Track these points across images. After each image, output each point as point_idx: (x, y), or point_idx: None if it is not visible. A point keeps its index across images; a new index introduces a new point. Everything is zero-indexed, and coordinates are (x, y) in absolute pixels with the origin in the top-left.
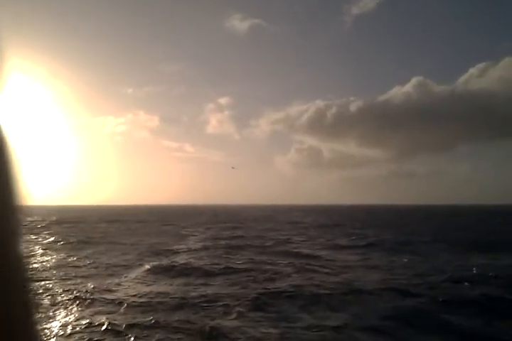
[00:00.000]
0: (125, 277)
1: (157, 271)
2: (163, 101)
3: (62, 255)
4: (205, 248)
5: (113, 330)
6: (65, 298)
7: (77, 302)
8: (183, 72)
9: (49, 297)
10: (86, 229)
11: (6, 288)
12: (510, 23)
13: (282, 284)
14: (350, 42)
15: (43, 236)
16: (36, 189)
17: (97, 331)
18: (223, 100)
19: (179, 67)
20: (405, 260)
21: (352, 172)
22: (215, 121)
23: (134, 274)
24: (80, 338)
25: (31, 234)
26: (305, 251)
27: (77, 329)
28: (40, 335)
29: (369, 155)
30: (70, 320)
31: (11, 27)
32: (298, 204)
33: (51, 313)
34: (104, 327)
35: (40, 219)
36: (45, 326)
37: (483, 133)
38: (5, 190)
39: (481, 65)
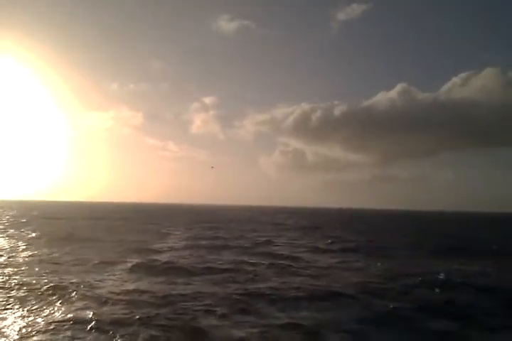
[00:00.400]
0: (107, 274)
1: (139, 269)
2: (148, 99)
3: (45, 250)
4: (187, 247)
5: (98, 327)
6: (48, 293)
7: (61, 297)
8: (168, 69)
9: (31, 292)
10: (69, 226)
11: None
12: (493, 35)
13: (261, 285)
14: (336, 47)
15: (25, 231)
16: (17, 183)
17: (82, 328)
18: (208, 99)
19: (165, 64)
20: (379, 264)
21: (336, 176)
22: (200, 120)
23: (116, 271)
24: (64, 333)
25: (12, 229)
26: (285, 252)
27: (63, 324)
28: None
29: (353, 159)
30: (55, 315)
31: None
32: (282, 206)
33: (33, 308)
34: (89, 325)
35: (20, 214)
36: (26, 321)
37: (465, 141)
38: None
39: (464, 74)
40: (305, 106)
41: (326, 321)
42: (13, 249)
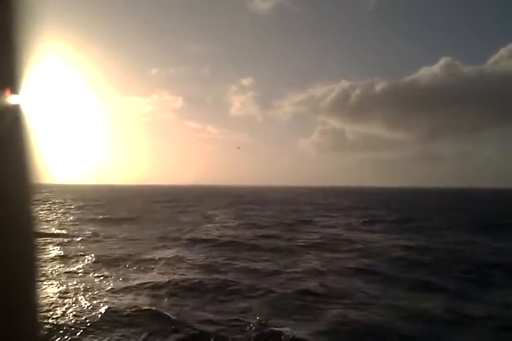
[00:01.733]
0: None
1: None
2: (187, 82)
3: (109, 229)
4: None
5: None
6: (124, 262)
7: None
8: (205, 52)
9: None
10: (130, 208)
11: (16, 269)
12: None
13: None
14: (374, 23)
15: (93, 211)
16: (61, 168)
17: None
18: (246, 81)
19: (202, 47)
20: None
21: (377, 155)
22: (238, 102)
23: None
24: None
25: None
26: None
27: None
28: (40, 319)
29: (394, 137)
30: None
31: (42, 8)
32: (322, 186)
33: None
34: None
35: (81, 197)
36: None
37: (509, 116)
38: (21, 167)
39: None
40: (344, 83)
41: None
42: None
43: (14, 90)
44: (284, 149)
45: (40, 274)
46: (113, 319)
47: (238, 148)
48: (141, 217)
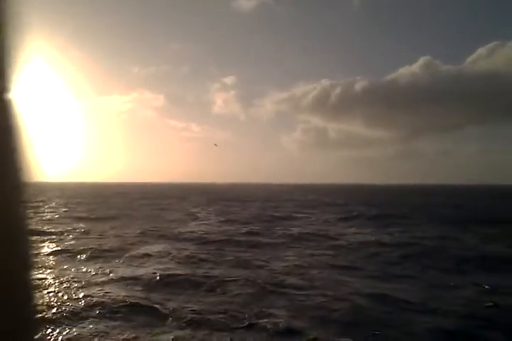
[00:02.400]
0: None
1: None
2: (169, 81)
3: (92, 226)
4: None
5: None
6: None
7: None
8: (187, 51)
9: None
10: (108, 205)
11: (6, 268)
12: None
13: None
14: (357, 22)
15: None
16: (45, 166)
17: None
18: (228, 79)
19: (184, 46)
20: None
21: (358, 153)
22: (221, 100)
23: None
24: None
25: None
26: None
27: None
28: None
29: (375, 135)
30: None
31: (21, 7)
32: (304, 184)
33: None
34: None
35: (62, 195)
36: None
37: (491, 115)
38: (12, 166)
39: (490, 45)
40: (325, 82)
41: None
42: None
43: (2, 89)
44: (267, 147)
45: (34, 271)
46: (102, 311)
47: (215, 145)
48: (126, 215)
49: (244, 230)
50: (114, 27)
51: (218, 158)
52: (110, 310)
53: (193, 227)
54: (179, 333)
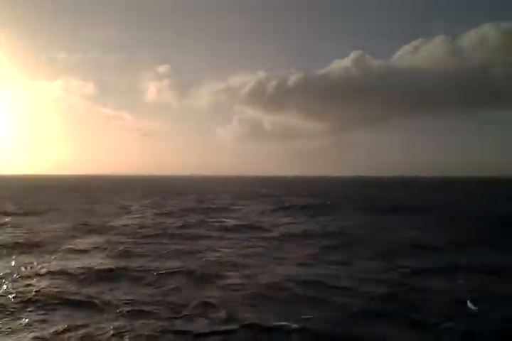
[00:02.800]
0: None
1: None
2: (98, 68)
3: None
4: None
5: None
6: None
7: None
8: (117, 38)
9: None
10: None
11: None
12: (442, 3)
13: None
14: (292, 13)
15: None
16: None
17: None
18: (162, 68)
19: (113, 32)
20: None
21: (294, 144)
22: (154, 89)
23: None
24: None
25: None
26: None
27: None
28: None
29: (310, 127)
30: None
31: None
32: (241, 175)
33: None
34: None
35: None
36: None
37: (414, 108)
38: None
39: (415, 42)
40: (261, 74)
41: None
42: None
43: None
44: (203, 138)
45: None
46: (35, 306)
47: (145, 135)
48: (56, 209)
49: (180, 223)
50: (36, 9)
51: (153, 148)
52: (43, 305)
53: (126, 221)
54: (115, 324)
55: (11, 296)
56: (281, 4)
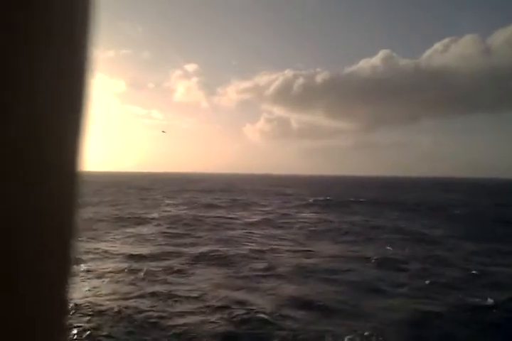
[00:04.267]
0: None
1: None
2: (129, 66)
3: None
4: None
5: None
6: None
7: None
8: (148, 36)
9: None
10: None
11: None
12: (472, 2)
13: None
14: (320, 13)
15: None
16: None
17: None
18: (191, 67)
19: (145, 30)
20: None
21: (320, 143)
22: (183, 87)
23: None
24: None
25: None
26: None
27: None
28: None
29: (336, 126)
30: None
31: None
32: (268, 174)
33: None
34: None
35: None
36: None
37: (445, 108)
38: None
39: (444, 41)
40: (288, 73)
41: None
42: None
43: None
44: (231, 136)
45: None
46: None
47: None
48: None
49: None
50: None
51: (182, 146)
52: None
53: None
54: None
55: None
56: (309, 3)
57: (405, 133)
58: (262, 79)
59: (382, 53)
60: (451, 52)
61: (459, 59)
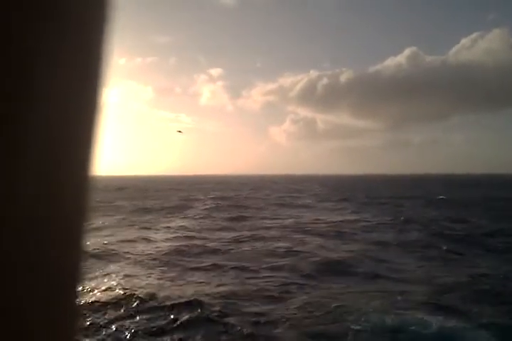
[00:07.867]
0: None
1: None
2: (156, 73)
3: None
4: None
5: None
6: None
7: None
8: (174, 43)
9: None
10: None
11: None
12: None
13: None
14: (342, 13)
15: None
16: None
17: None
18: (215, 71)
19: (170, 38)
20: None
21: (347, 143)
22: (208, 91)
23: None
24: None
25: None
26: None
27: None
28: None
29: (362, 125)
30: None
31: None
32: (295, 174)
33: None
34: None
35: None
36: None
37: (476, 104)
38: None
39: (471, 37)
40: (312, 74)
41: None
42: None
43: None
44: (257, 138)
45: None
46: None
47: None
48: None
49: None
50: None
51: (211, 149)
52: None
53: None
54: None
55: None
56: (332, 2)
57: (435, 130)
58: (286, 80)
59: (408, 51)
60: (479, 47)
61: (487, 54)
